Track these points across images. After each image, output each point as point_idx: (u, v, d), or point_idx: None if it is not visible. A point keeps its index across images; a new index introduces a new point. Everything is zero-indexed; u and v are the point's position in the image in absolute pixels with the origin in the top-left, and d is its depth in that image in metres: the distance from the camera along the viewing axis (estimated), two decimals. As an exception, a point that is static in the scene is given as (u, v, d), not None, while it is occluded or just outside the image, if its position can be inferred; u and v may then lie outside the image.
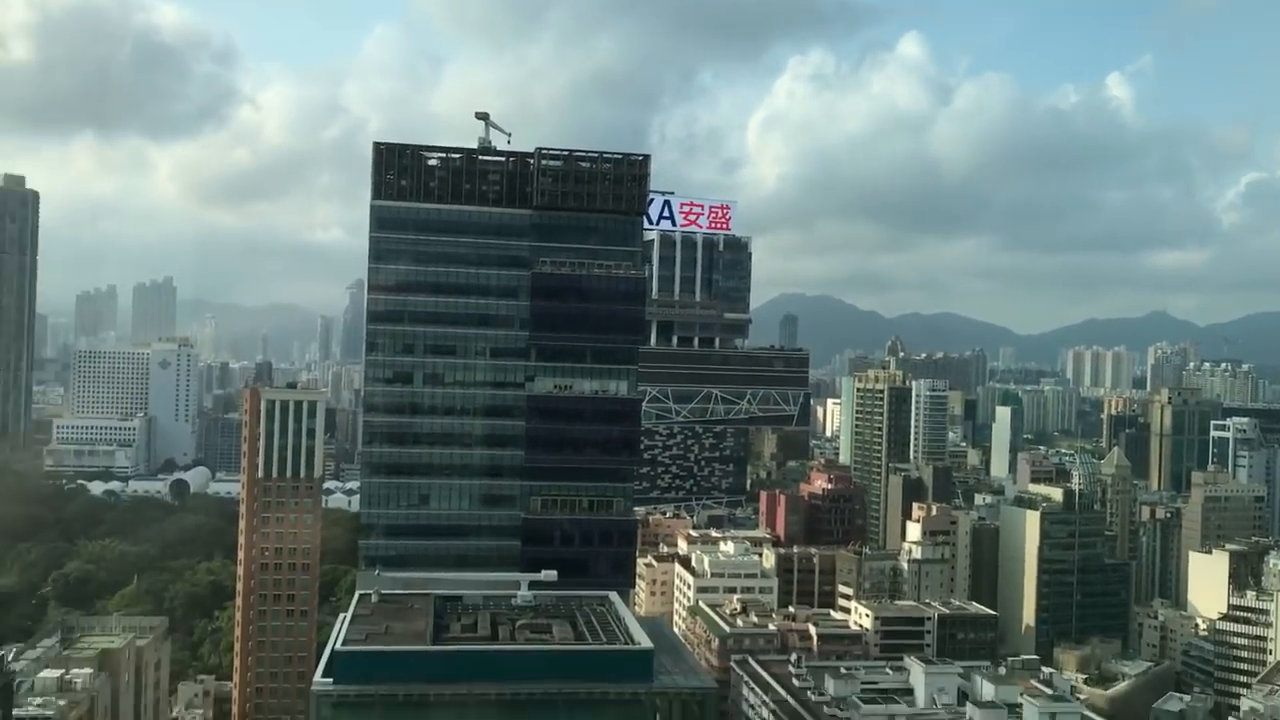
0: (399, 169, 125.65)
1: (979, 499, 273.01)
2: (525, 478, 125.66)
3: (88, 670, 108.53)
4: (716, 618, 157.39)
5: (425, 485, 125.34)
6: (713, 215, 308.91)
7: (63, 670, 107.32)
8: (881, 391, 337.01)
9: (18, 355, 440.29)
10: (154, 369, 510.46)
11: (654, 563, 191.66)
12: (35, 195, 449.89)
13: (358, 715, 73.81)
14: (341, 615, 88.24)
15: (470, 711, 74.42)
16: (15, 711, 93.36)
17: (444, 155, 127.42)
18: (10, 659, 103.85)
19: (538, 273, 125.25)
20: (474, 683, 74.30)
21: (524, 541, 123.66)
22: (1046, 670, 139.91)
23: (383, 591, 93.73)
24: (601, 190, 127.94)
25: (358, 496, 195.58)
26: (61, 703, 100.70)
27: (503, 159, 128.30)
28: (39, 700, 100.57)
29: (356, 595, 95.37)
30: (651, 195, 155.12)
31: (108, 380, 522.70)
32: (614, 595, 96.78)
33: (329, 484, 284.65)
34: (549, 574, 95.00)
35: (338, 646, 76.92)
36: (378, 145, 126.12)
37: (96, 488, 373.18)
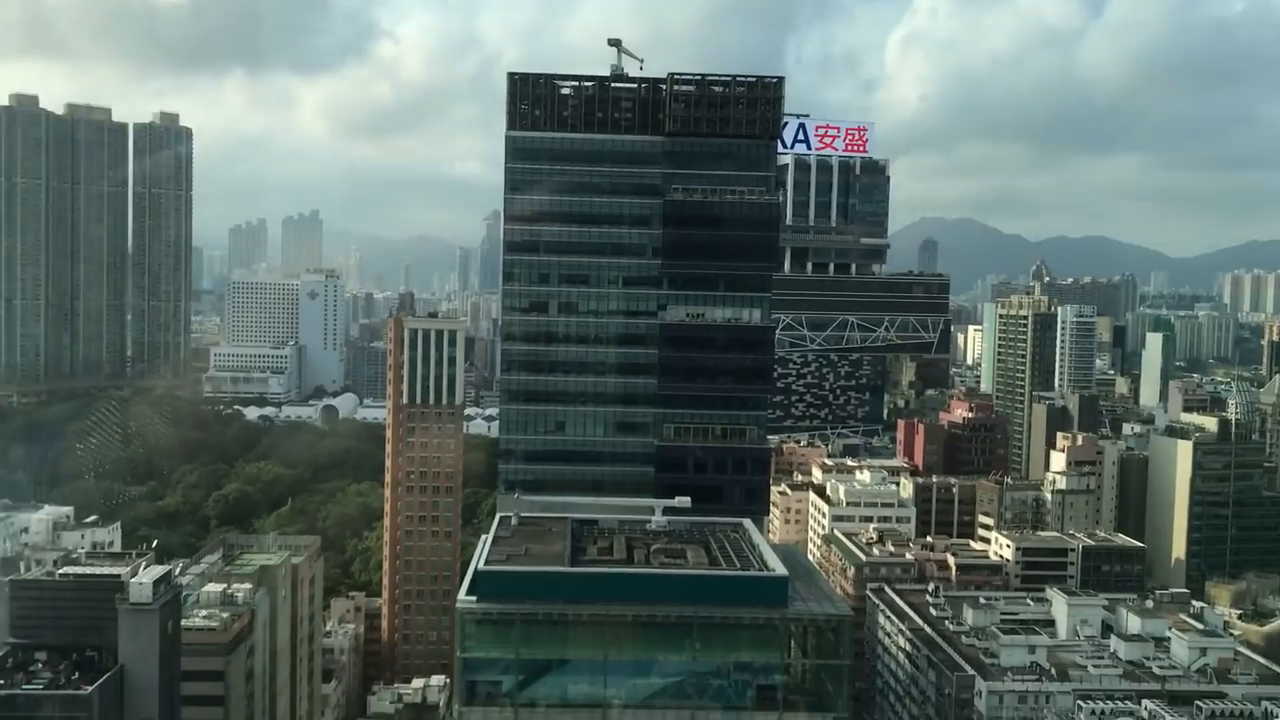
0: (533, 99, 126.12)
1: (1127, 429, 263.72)
2: (658, 405, 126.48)
3: (248, 585, 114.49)
4: (852, 546, 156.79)
5: (561, 412, 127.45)
6: (849, 138, 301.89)
7: (225, 585, 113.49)
8: (1025, 318, 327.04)
9: (176, 287, 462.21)
10: (303, 299, 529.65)
11: (788, 491, 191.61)
12: (189, 132, 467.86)
13: (499, 631, 76.21)
14: (483, 536, 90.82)
15: (606, 631, 76.02)
16: (183, 622, 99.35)
17: (577, 84, 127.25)
18: (177, 573, 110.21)
19: (670, 200, 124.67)
20: (610, 603, 75.76)
21: (658, 468, 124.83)
22: (1197, 604, 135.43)
23: (522, 514, 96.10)
24: (734, 115, 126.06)
25: (497, 423, 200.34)
26: (224, 615, 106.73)
27: (635, 86, 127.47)
28: (204, 612, 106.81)
29: (497, 518, 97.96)
30: (786, 119, 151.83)
31: (260, 310, 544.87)
32: (747, 522, 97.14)
33: (469, 410, 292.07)
34: (683, 500, 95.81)
35: (480, 566, 79.29)
36: (512, 76, 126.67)
37: (252, 413, 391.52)
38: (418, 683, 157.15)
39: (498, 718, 75.81)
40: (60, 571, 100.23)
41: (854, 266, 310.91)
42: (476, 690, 77.05)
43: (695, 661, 76.69)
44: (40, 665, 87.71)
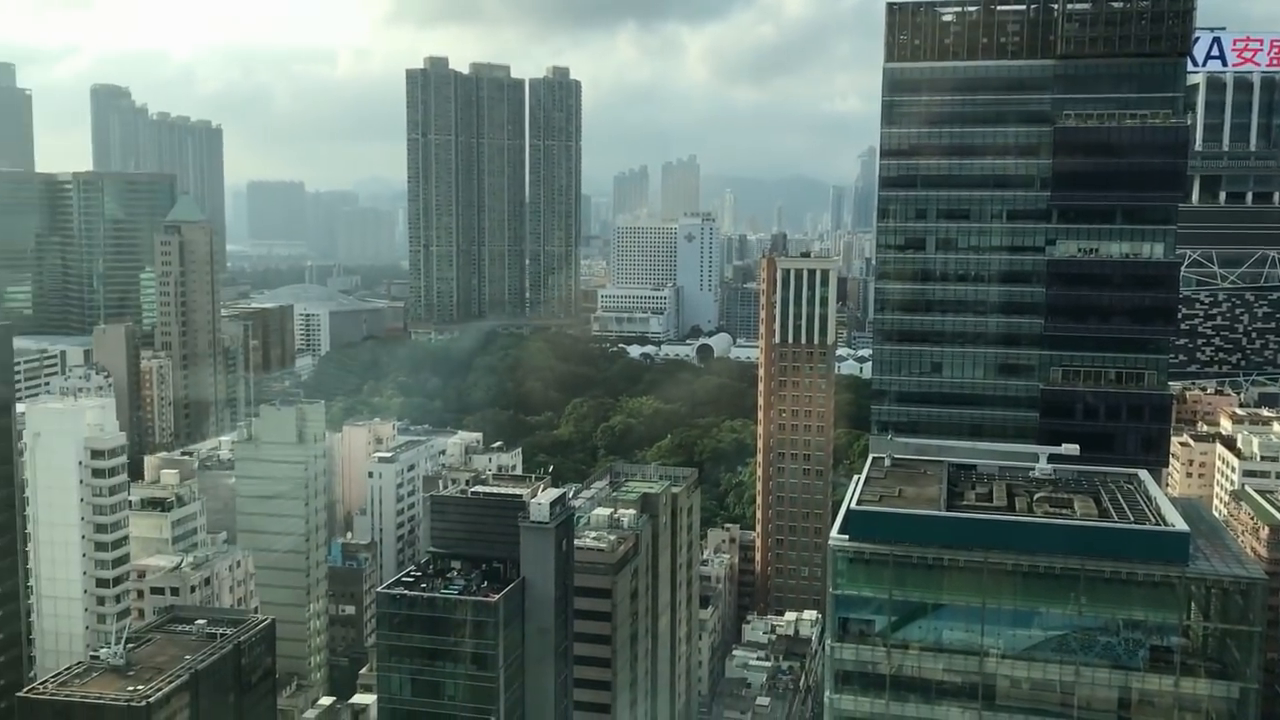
0: (912, 28, 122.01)
1: None
2: (1044, 347, 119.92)
3: (632, 511, 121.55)
4: (1267, 505, 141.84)
5: (938, 353, 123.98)
6: (1274, 51, 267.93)
7: (611, 509, 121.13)
8: None
9: (567, 233, 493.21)
10: (680, 242, 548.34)
11: (1190, 442, 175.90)
12: (578, 85, 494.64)
13: (871, 571, 75.92)
14: (855, 477, 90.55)
15: (984, 579, 73.68)
16: (575, 542, 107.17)
17: (959, 9, 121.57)
18: (570, 497, 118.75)
19: (1061, 127, 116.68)
20: (989, 551, 73.34)
21: (1042, 413, 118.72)
22: None
23: (895, 456, 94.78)
24: (1137, 32, 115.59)
25: (869, 364, 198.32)
26: (611, 537, 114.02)
27: (1023, 7, 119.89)
28: (594, 534, 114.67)
29: (870, 458, 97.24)
30: (1197, 33, 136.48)
31: (641, 253, 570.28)
32: (1143, 474, 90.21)
33: (841, 351, 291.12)
34: (1070, 448, 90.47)
35: (853, 505, 79.21)
36: (890, 5, 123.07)
37: (634, 351, 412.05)
38: (790, 615, 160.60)
39: (869, 656, 75.81)
40: (471, 490, 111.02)
41: (1277, 196, 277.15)
42: (849, 627, 77.40)
43: (1080, 616, 72.68)
44: (455, 573, 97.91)
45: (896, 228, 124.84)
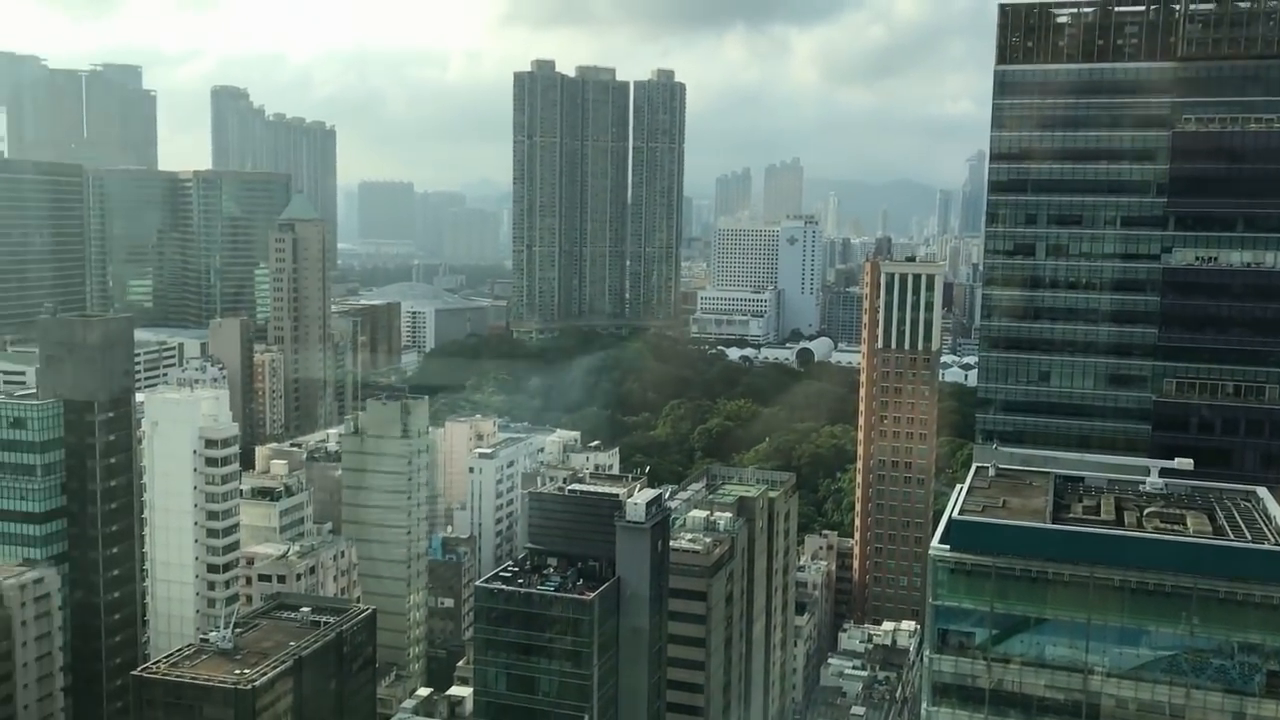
0: (1025, 29, 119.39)
1: None
2: (1158, 358, 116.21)
3: (728, 514, 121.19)
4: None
5: (1046, 362, 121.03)
6: None
7: (708, 512, 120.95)
8: None
9: (667, 234, 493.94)
10: (782, 245, 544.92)
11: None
12: (682, 87, 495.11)
13: (973, 583, 74.43)
14: (958, 486, 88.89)
15: (1089, 595, 71.69)
16: (671, 543, 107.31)
17: (1075, 10, 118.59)
18: (667, 497, 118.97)
19: (1180, 132, 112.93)
20: (1096, 566, 71.35)
21: (1155, 426, 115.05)
22: None
23: (999, 466, 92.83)
24: (1265, 32, 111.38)
25: (973, 372, 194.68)
26: (707, 539, 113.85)
27: (1142, 8, 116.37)
28: (689, 535, 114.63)
29: (973, 468, 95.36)
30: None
31: (742, 255, 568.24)
32: (1262, 491, 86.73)
33: (945, 358, 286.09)
34: (1183, 462, 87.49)
35: (955, 515, 77.80)
36: (1002, 6, 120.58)
37: (733, 353, 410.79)
38: (888, 625, 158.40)
39: (969, 669, 74.34)
40: (569, 488, 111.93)
41: None
42: (948, 639, 76.02)
43: (1192, 636, 70.25)
44: (551, 570, 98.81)
45: (1006, 233, 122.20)
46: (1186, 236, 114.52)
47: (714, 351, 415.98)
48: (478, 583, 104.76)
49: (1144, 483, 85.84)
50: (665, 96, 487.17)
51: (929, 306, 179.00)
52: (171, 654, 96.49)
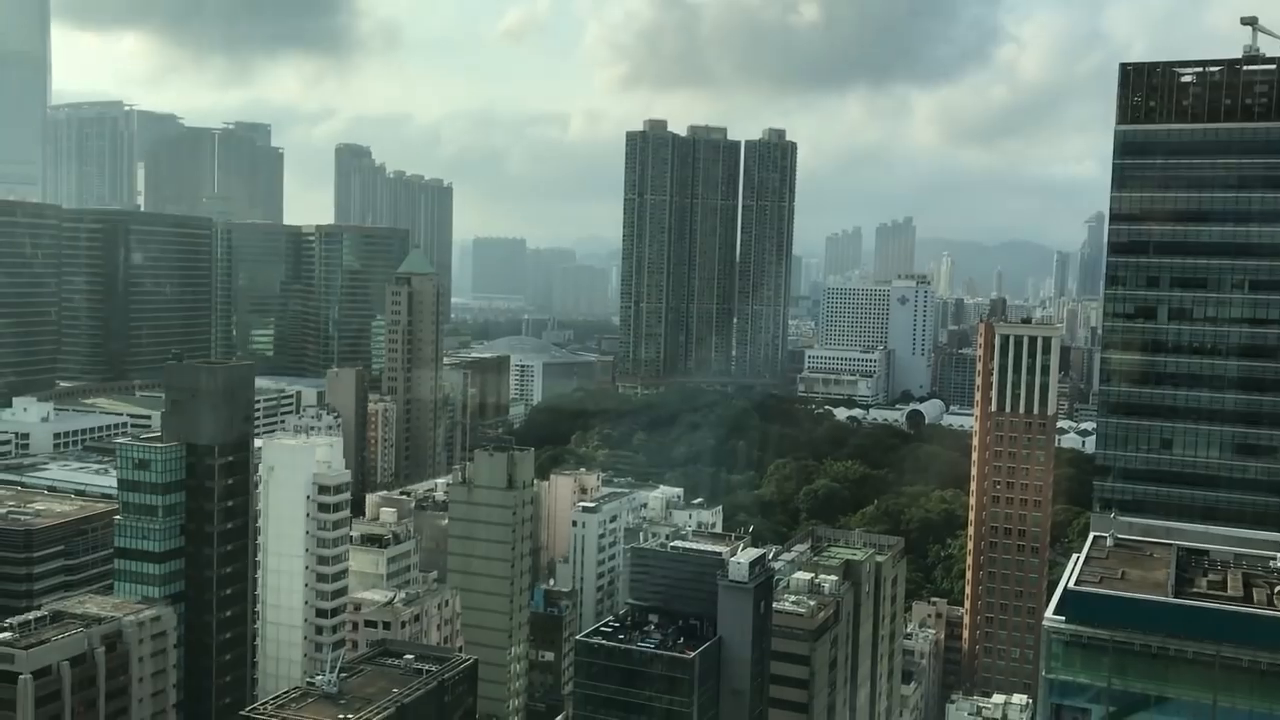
0: (1147, 89, 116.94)
1: None
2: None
3: (834, 577, 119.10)
4: None
5: (1168, 429, 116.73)
6: None
7: (812, 574, 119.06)
8: None
9: (776, 292, 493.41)
10: (893, 305, 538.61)
11: None
12: (793, 146, 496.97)
13: (1089, 656, 71.74)
14: (1075, 555, 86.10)
15: (1215, 674, 68.42)
16: (774, 605, 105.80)
17: (1200, 69, 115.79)
18: (771, 558, 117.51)
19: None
20: (1222, 643, 68.10)
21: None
22: None
23: (1119, 536, 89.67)
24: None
25: (1091, 438, 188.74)
26: (811, 602, 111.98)
27: (1273, 67, 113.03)
28: (793, 598, 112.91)
29: (1091, 537, 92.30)
30: None
31: (852, 315, 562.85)
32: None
33: (1062, 423, 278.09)
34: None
35: (1071, 585, 75.27)
36: (1124, 66, 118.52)
37: (841, 413, 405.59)
38: (998, 697, 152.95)
39: (1085, 747, 71.55)
40: (671, 545, 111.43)
41: None
42: (1062, 715, 73.26)
43: (1328, 723, 66.61)
44: (652, 626, 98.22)
45: (1126, 295, 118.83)
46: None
47: (821, 411, 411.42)
48: (578, 637, 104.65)
49: (1275, 558, 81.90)
50: (776, 155, 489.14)
51: (1045, 370, 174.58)
52: (278, 695, 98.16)
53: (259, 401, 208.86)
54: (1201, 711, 69.15)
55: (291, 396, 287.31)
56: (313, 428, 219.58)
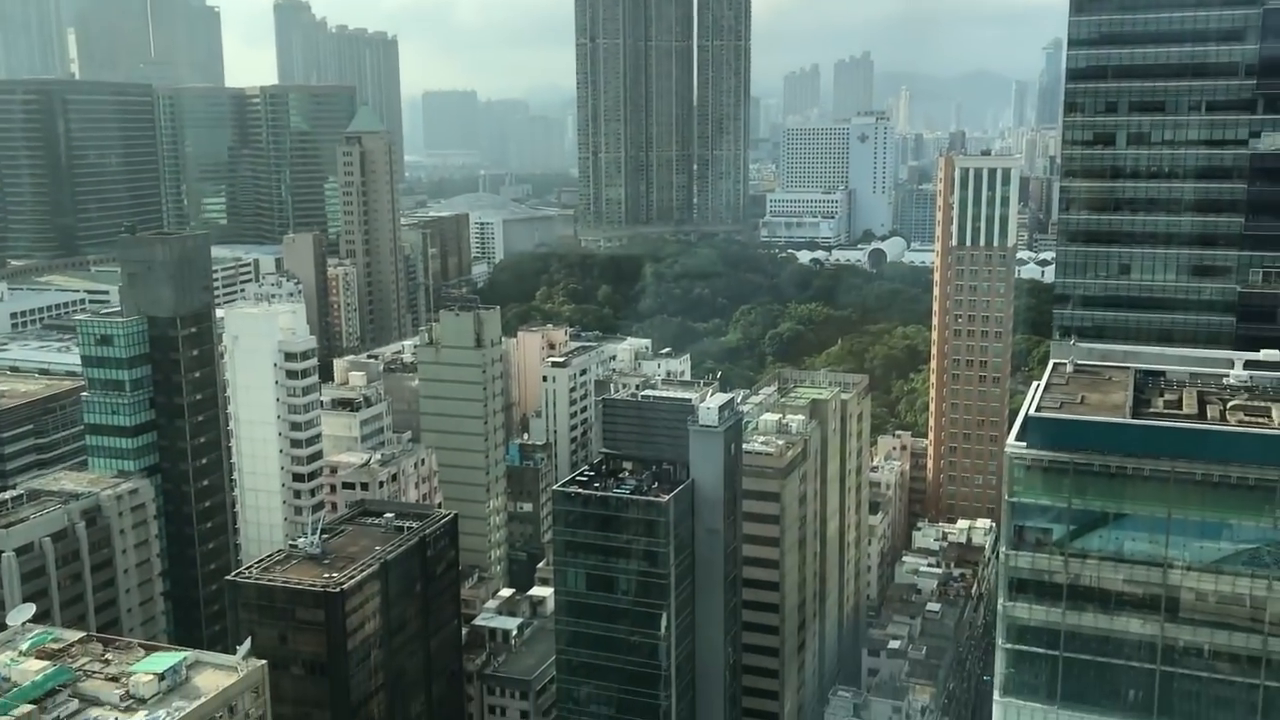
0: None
1: None
2: (1244, 247, 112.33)
3: (801, 417, 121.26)
4: None
5: (1126, 254, 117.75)
6: None
7: (780, 415, 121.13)
8: None
9: (735, 136, 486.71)
10: (853, 143, 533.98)
11: None
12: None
13: (1050, 480, 73.87)
14: (1035, 383, 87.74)
15: (1170, 489, 70.77)
16: (744, 446, 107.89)
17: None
18: (739, 402, 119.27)
19: (1272, 9, 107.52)
20: (1177, 460, 70.32)
21: (1239, 318, 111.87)
22: None
23: (1078, 362, 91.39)
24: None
25: (1050, 268, 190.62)
26: (780, 442, 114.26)
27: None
28: (762, 439, 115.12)
29: (1051, 364, 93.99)
30: None
31: (812, 155, 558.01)
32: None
33: (1021, 254, 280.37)
34: (1270, 354, 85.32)
35: (1032, 412, 76.95)
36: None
37: (804, 256, 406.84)
38: (962, 523, 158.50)
39: (1046, 565, 74.17)
40: (642, 395, 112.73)
41: None
42: (1025, 536, 75.79)
43: (1275, 529, 69.28)
44: (626, 473, 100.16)
45: (1084, 122, 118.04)
46: (1277, 120, 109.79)
47: (784, 255, 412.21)
48: (555, 487, 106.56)
49: (1228, 376, 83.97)
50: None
51: (1005, 201, 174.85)
52: (263, 559, 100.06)
53: (217, 271, 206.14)
54: (1156, 525, 71.77)
55: (249, 265, 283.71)
56: (273, 295, 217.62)
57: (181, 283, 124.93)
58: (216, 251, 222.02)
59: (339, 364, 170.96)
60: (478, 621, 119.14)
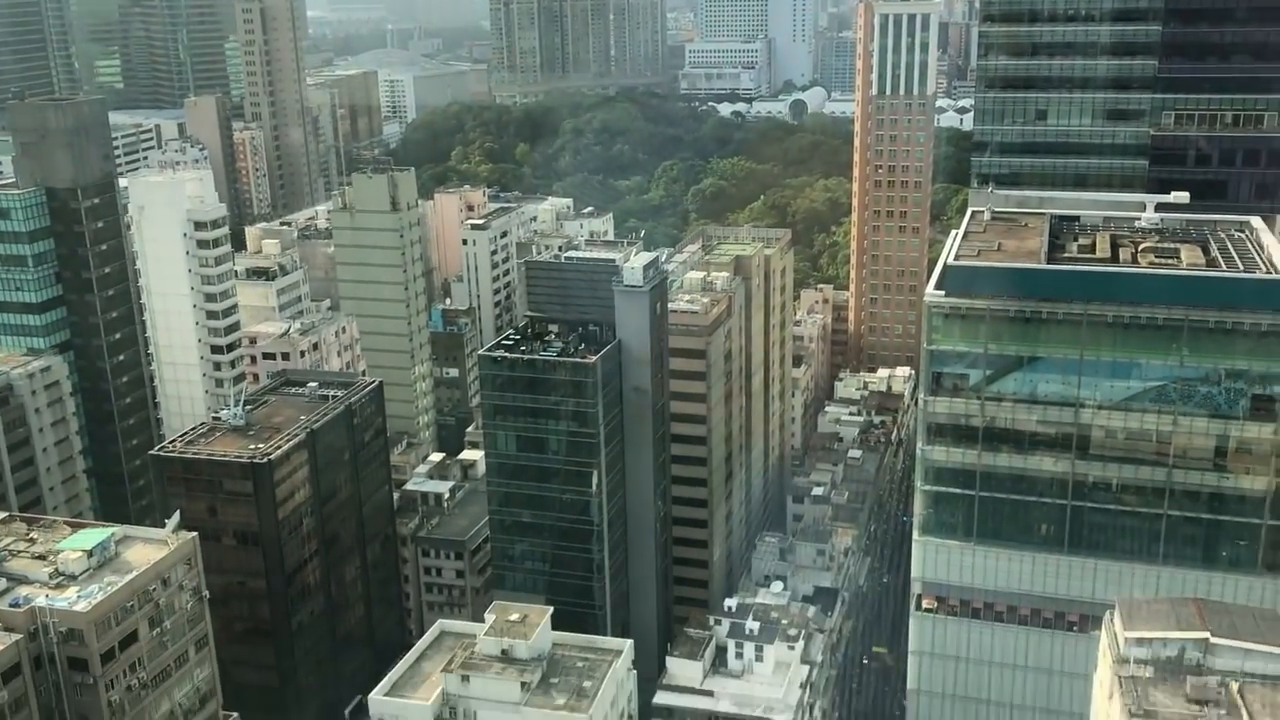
0: None
1: None
2: (1157, 90, 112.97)
3: (725, 273, 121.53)
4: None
5: (1044, 100, 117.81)
6: None
7: (704, 272, 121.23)
8: None
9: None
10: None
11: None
12: None
13: (967, 327, 75.43)
14: (953, 232, 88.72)
15: (1082, 332, 72.75)
16: (669, 305, 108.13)
17: None
18: (664, 260, 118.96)
19: None
20: (1089, 303, 72.09)
21: (1152, 161, 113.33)
22: None
23: (995, 209, 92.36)
24: None
25: (969, 115, 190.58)
26: (705, 299, 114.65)
27: None
28: (687, 297, 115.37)
29: (969, 213, 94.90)
30: None
31: (730, 3, 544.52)
32: (1257, 221, 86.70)
33: (940, 102, 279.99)
34: (1179, 196, 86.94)
35: (950, 260, 77.96)
36: None
37: (725, 109, 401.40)
38: (883, 372, 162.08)
39: (963, 409, 76.34)
40: (565, 256, 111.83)
41: None
42: (942, 382, 77.69)
43: (1181, 366, 71.84)
44: (552, 336, 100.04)
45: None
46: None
47: (705, 108, 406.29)
48: (481, 352, 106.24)
49: (1140, 218, 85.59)
50: None
51: (924, 48, 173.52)
52: (186, 433, 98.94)
53: (116, 138, 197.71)
54: (1069, 366, 73.97)
55: (150, 131, 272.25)
56: (178, 162, 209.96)
57: (80, 151, 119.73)
58: (115, 117, 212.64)
59: (251, 232, 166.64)
60: (409, 486, 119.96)
